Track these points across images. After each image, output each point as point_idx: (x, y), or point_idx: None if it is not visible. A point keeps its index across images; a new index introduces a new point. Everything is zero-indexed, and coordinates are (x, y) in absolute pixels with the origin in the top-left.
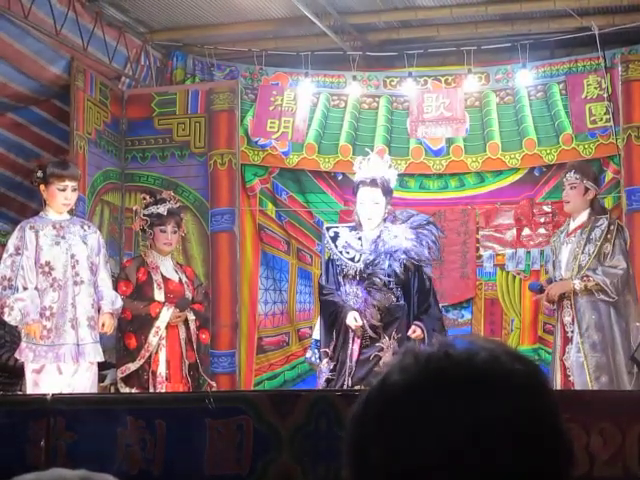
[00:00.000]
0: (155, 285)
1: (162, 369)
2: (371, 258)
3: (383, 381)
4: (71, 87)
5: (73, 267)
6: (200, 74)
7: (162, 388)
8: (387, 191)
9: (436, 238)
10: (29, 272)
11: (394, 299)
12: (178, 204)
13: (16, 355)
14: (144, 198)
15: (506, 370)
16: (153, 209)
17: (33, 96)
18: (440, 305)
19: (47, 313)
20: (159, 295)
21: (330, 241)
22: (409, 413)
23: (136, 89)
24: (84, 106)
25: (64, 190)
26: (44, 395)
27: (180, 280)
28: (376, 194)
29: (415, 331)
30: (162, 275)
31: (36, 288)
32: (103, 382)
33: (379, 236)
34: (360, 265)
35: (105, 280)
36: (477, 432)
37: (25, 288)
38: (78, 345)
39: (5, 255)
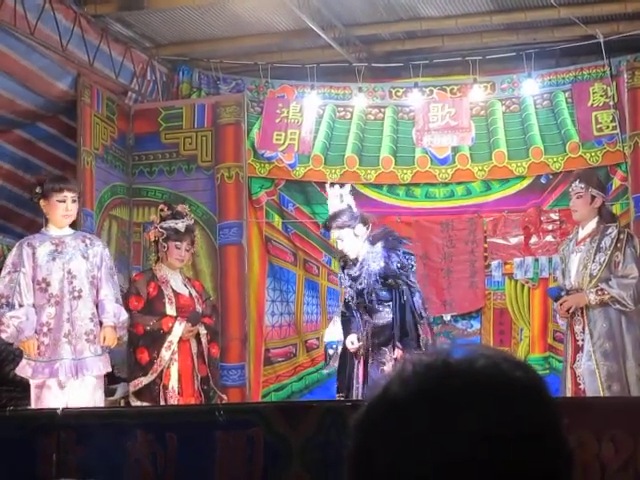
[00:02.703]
0: (166, 300)
1: (174, 383)
2: (360, 287)
3: (384, 393)
4: (78, 103)
5: (70, 282)
6: (206, 88)
7: (174, 402)
8: (349, 224)
9: (404, 262)
10: (25, 289)
11: (388, 317)
12: (193, 220)
13: (16, 371)
14: (162, 210)
15: (506, 378)
16: (171, 223)
17: (40, 112)
18: (426, 314)
19: (44, 329)
20: (170, 310)
21: (340, 270)
22: (411, 424)
23: (142, 104)
24: (91, 121)
25: (64, 201)
26: (54, 409)
27: (190, 294)
28: (341, 233)
29: (399, 354)
30: (173, 289)
31: (33, 305)
32: (113, 396)
33: (362, 263)
34: (353, 292)
35: (108, 294)
36: (479, 441)
37: (21, 305)
38: (76, 360)
39: (3, 273)
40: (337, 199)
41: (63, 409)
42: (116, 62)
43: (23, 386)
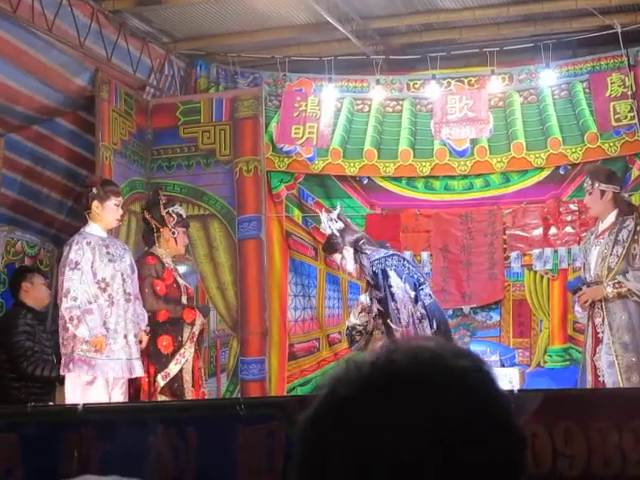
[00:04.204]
0: (182, 288)
1: (188, 376)
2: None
3: (330, 396)
4: (96, 98)
5: (123, 283)
6: (224, 82)
7: (191, 396)
8: (337, 249)
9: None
10: (90, 286)
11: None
12: None
13: (63, 368)
14: (158, 193)
15: (450, 368)
16: (178, 209)
17: (58, 108)
18: (411, 319)
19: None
20: (184, 299)
21: None
22: (360, 426)
23: (160, 99)
24: (109, 117)
25: (118, 205)
26: (75, 405)
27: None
28: (335, 257)
29: None
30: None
31: (97, 303)
32: None
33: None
34: None
35: (139, 298)
36: (427, 436)
37: (90, 302)
38: (129, 360)
39: (67, 269)
40: (326, 225)
41: (84, 405)
42: (134, 57)
43: (42, 382)
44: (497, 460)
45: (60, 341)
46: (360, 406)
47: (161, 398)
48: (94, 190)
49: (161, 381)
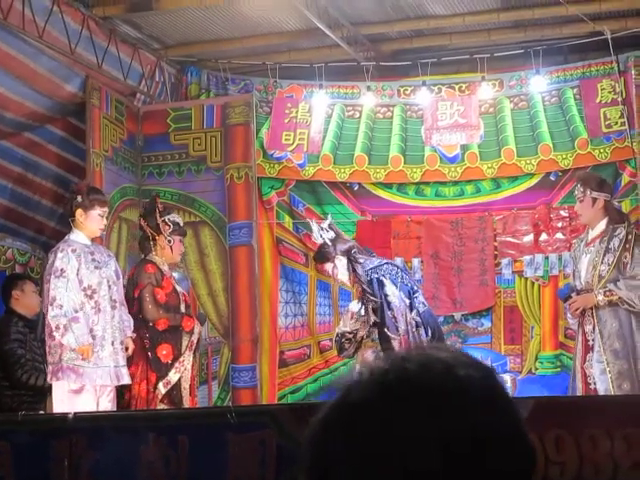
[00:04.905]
0: (180, 296)
1: (187, 384)
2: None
3: (342, 400)
4: (86, 105)
5: (109, 290)
6: (215, 89)
7: (188, 404)
8: (329, 258)
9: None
10: (77, 294)
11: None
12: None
13: (51, 376)
14: (155, 200)
15: (461, 379)
16: (175, 217)
17: (49, 115)
18: (408, 327)
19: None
20: (182, 307)
21: None
22: (371, 432)
23: (151, 105)
24: (100, 123)
25: (103, 216)
26: (66, 414)
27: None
28: (326, 266)
29: None
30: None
31: (83, 310)
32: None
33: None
34: None
35: (124, 304)
36: (435, 447)
37: (75, 310)
38: (116, 367)
39: (52, 277)
40: (317, 234)
41: (75, 413)
42: (124, 64)
43: (34, 390)
44: (507, 469)
45: (47, 350)
46: (372, 412)
47: (160, 406)
48: (79, 198)
49: (162, 389)
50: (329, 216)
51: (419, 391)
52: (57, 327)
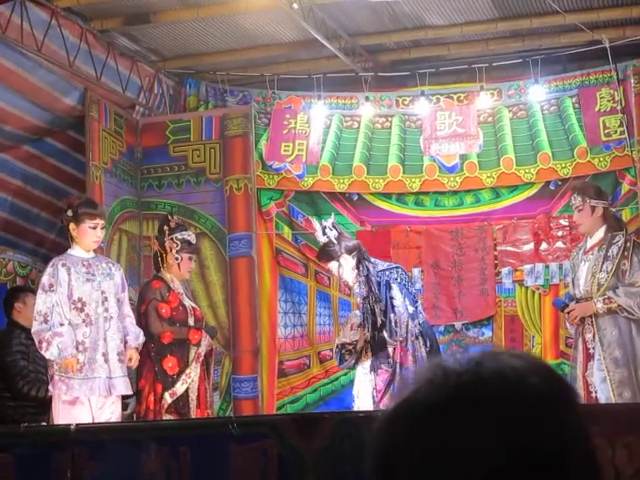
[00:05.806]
0: (188, 310)
1: (194, 395)
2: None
3: (412, 396)
4: (85, 117)
5: (103, 303)
6: (213, 100)
7: (194, 415)
8: (334, 257)
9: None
10: (63, 308)
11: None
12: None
13: (50, 387)
14: (169, 220)
15: (532, 390)
16: (185, 235)
17: (48, 128)
18: (406, 333)
19: (80, 347)
20: (191, 321)
21: None
22: (440, 432)
23: (150, 117)
24: (99, 136)
25: (95, 228)
26: (68, 426)
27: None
28: (331, 265)
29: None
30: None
31: (69, 324)
32: (126, 410)
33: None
34: None
35: (130, 315)
36: (508, 454)
37: (61, 324)
38: (110, 378)
39: (40, 291)
40: (320, 232)
41: (77, 425)
42: (123, 76)
43: (37, 402)
44: None
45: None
46: (440, 414)
47: (166, 417)
48: (69, 212)
49: (168, 398)
50: (332, 215)
51: (491, 399)
52: (40, 341)
